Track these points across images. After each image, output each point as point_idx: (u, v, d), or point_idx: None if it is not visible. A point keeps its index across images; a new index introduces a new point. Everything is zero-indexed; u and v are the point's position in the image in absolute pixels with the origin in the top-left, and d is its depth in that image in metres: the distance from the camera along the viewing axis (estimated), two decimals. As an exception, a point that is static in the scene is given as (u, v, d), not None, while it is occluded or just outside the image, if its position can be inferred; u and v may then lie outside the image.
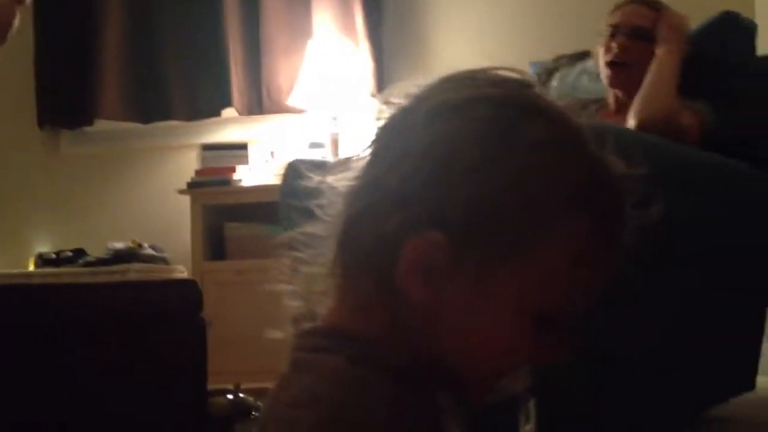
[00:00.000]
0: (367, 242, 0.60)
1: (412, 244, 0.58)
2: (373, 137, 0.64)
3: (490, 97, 0.60)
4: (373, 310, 0.60)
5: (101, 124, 3.48)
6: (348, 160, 0.64)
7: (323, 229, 0.64)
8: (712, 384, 2.20)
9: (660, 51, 2.19)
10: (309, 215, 0.66)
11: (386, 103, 0.64)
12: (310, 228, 0.65)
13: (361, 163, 0.63)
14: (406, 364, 0.59)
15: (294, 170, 2.24)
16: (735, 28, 2.35)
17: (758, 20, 2.35)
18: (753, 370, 2.25)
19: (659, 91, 2.16)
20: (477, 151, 0.58)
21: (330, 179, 0.64)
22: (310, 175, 0.66)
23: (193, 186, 3.15)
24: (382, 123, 0.64)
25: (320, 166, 2.10)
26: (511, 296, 0.58)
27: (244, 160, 3.25)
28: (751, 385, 2.24)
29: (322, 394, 0.57)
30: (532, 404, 0.67)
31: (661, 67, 2.17)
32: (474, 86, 0.62)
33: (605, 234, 0.59)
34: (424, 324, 0.59)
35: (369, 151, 0.63)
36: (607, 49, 2.28)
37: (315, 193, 0.65)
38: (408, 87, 0.64)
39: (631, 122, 2.17)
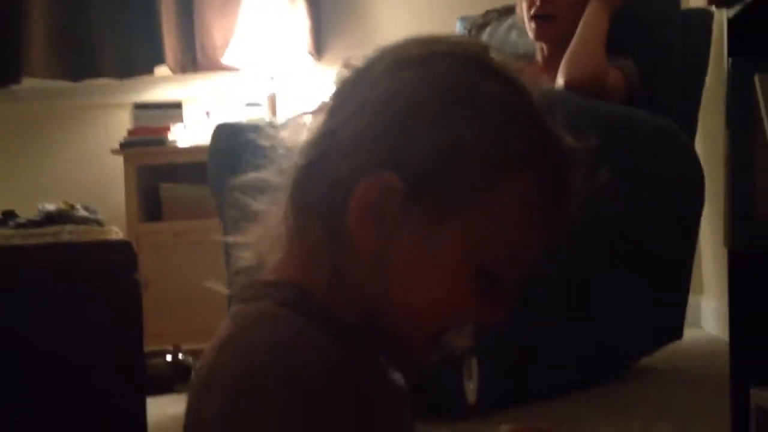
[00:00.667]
0: (320, 187, 0.60)
1: (366, 183, 0.58)
2: (330, 94, 0.64)
3: (450, 54, 0.62)
4: (319, 258, 0.61)
5: (29, 82, 3.37)
6: (302, 115, 0.65)
7: (276, 180, 0.64)
8: (643, 333, 2.27)
9: (589, 9, 2.19)
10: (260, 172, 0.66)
11: (346, 65, 0.65)
12: (265, 174, 0.65)
13: (318, 118, 0.64)
14: (346, 315, 0.60)
15: (225, 130, 2.22)
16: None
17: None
18: (681, 320, 2.33)
19: (587, 51, 2.15)
20: (437, 103, 0.59)
21: (284, 134, 0.65)
22: (265, 128, 0.66)
23: (126, 146, 3.09)
24: (339, 81, 0.64)
25: (250, 129, 2.09)
26: (457, 248, 0.59)
27: (178, 119, 3.19)
28: (679, 334, 2.32)
29: (259, 339, 0.57)
30: (474, 362, 0.68)
31: (589, 26, 2.17)
32: (433, 44, 0.63)
33: (551, 197, 0.61)
34: (368, 272, 0.60)
35: (326, 106, 0.64)
36: (531, 3, 2.28)
37: (267, 150, 0.65)
38: (354, 52, 0.65)
39: (559, 81, 2.18)
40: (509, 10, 2.59)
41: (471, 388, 0.70)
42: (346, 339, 0.59)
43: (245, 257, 0.65)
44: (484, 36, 2.61)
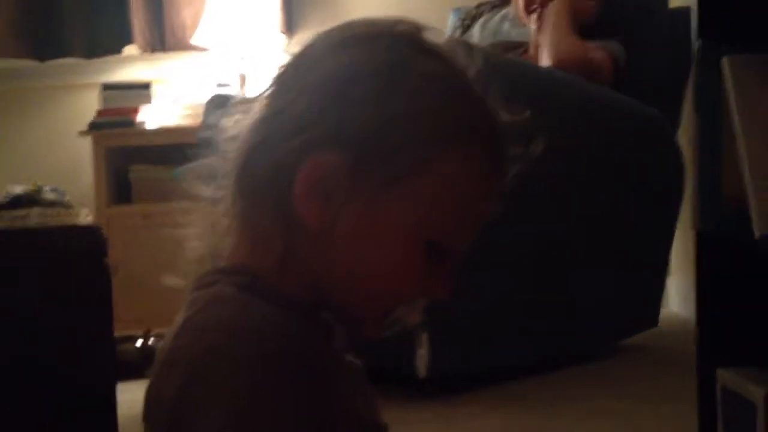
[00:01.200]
0: (265, 170, 0.62)
1: (309, 165, 0.60)
2: (273, 78, 0.66)
3: (385, 33, 0.64)
4: (269, 240, 0.62)
5: (-5, 62, 3.32)
6: (249, 98, 0.66)
7: (223, 165, 0.65)
8: (620, 320, 2.30)
9: (552, 4, 2.30)
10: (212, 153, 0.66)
11: (286, 52, 0.66)
12: (212, 161, 0.66)
13: (261, 103, 0.65)
14: (298, 295, 0.61)
15: (218, 101, 2.20)
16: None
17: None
18: (657, 308, 2.36)
19: (560, 34, 2.25)
20: (373, 80, 0.61)
21: (232, 117, 0.66)
22: (209, 119, 0.67)
23: (94, 127, 3.05)
24: (280, 67, 0.66)
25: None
26: (401, 220, 0.61)
27: (147, 99, 3.15)
28: (654, 321, 2.36)
29: (211, 320, 0.58)
30: (425, 337, 0.69)
31: (555, 14, 2.27)
32: (368, 25, 0.66)
33: (488, 168, 0.63)
34: (317, 250, 0.61)
35: (268, 91, 0.65)
36: (530, 1, 2.36)
37: (217, 131, 0.66)
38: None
39: (544, 63, 2.23)
40: (501, 3, 2.65)
41: (422, 361, 0.71)
42: (298, 317, 0.60)
43: (198, 246, 0.66)
44: (477, 26, 2.65)
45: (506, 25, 2.61)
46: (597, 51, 2.26)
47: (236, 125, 0.65)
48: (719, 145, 1.25)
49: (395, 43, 0.63)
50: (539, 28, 2.34)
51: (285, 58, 0.67)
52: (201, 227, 0.66)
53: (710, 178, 1.25)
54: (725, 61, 1.21)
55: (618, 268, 2.23)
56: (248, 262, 0.63)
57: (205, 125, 2.17)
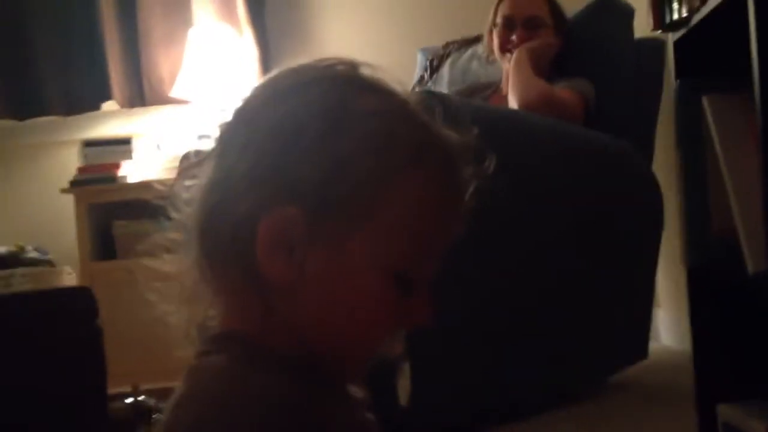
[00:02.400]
0: (225, 232, 0.62)
1: (266, 222, 0.60)
2: (216, 138, 0.66)
3: (320, 78, 0.64)
4: (246, 302, 0.62)
5: (-28, 123, 3.31)
6: (198, 160, 0.66)
7: (184, 234, 0.65)
8: (608, 354, 2.29)
9: (514, 54, 2.34)
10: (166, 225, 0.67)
11: (222, 110, 0.67)
12: (171, 234, 0.66)
13: (209, 165, 0.65)
14: (289, 353, 0.61)
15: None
16: (612, 12, 2.45)
17: (635, 4, 2.43)
18: (645, 339, 2.36)
19: (524, 78, 2.27)
20: (316, 126, 0.61)
21: (182, 184, 0.66)
22: (158, 187, 0.67)
23: (76, 184, 3.03)
24: (221, 125, 0.66)
25: None
26: (366, 259, 0.61)
27: (128, 155, 3.15)
28: (644, 353, 2.35)
29: (200, 392, 0.59)
30: (407, 366, 0.70)
31: (516, 63, 2.31)
32: (303, 72, 0.65)
33: (441, 191, 0.64)
34: (291, 303, 0.61)
35: (216, 148, 0.65)
36: (505, 41, 2.38)
37: (171, 199, 0.66)
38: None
39: (513, 107, 2.25)
40: (468, 42, 2.68)
41: (404, 390, 0.72)
42: (296, 377, 0.60)
43: (181, 320, 0.66)
44: (446, 65, 2.67)
45: (474, 64, 2.63)
46: (564, 92, 2.29)
47: (189, 190, 0.65)
48: (705, 181, 1.26)
49: (332, 86, 0.63)
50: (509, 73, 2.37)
51: (227, 115, 0.66)
52: (178, 300, 0.66)
53: (698, 214, 1.26)
54: (705, 101, 1.24)
55: (602, 303, 2.22)
56: (237, 324, 0.63)
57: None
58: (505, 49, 2.39)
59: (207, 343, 0.63)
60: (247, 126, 0.63)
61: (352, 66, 0.66)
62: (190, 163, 0.66)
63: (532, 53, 2.33)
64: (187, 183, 0.65)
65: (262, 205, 0.60)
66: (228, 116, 0.66)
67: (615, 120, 2.34)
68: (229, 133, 0.65)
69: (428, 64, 2.73)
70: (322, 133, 0.61)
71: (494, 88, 2.47)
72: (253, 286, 0.61)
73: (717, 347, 1.21)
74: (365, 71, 0.66)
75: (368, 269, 0.61)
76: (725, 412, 1.13)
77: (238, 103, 0.66)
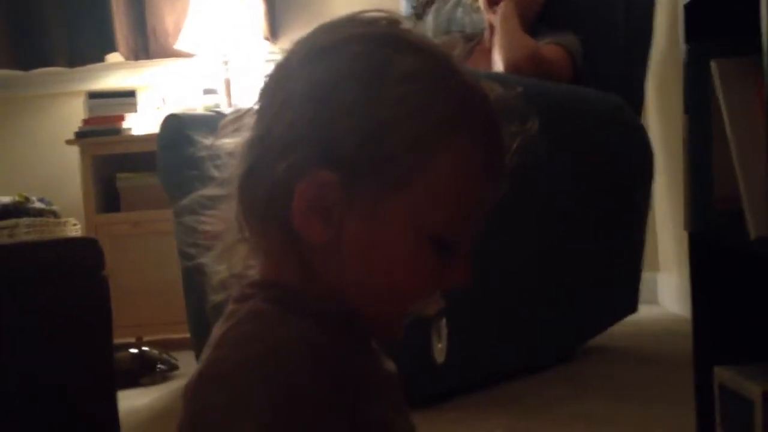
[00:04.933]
0: (263, 193, 0.62)
1: (302, 186, 0.60)
2: (258, 92, 0.65)
3: (361, 36, 0.62)
4: (284, 258, 0.63)
5: (-23, 73, 3.30)
6: (237, 118, 0.65)
7: (223, 190, 0.65)
8: (598, 310, 2.30)
9: (501, 7, 2.30)
10: (207, 180, 0.67)
11: (269, 61, 0.66)
12: (210, 191, 0.66)
13: (250, 120, 0.64)
14: (325, 306, 0.62)
15: (173, 123, 2.19)
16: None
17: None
18: (635, 294, 2.37)
19: (511, 37, 2.25)
20: (355, 88, 0.59)
21: (222, 141, 0.66)
22: (201, 140, 0.67)
23: (81, 136, 3.03)
24: (264, 79, 0.65)
25: (200, 121, 2.06)
26: (404, 222, 0.61)
27: (132, 107, 3.14)
28: (634, 308, 2.36)
29: (244, 333, 0.59)
30: (443, 324, 0.70)
31: (502, 18, 2.28)
32: (344, 28, 0.63)
33: (484, 153, 0.63)
34: (328, 262, 0.62)
35: (255, 107, 0.65)
36: None
37: (210, 156, 0.66)
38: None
39: (499, 67, 2.23)
40: None
41: (440, 348, 0.72)
42: (331, 327, 0.60)
43: (220, 270, 0.66)
44: (431, 13, 2.63)
45: (459, 12, 2.60)
46: (551, 48, 2.26)
47: (230, 145, 0.65)
48: (710, 146, 1.26)
49: (374, 45, 0.61)
50: (496, 28, 2.34)
51: (268, 68, 0.66)
52: (219, 250, 0.66)
53: (702, 180, 1.26)
54: (714, 65, 1.23)
55: (593, 257, 2.23)
56: (277, 276, 0.64)
57: (161, 145, 2.16)
58: (492, 1, 2.35)
59: (247, 287, 0.64)
60: (285, 84, 0.62)
61: (392, 21, 0.64)
62: (230, 117, 0.66)
63: (518, 7, 2.30)
64: (228, 140, 0.65)
65: (298, 168, 0.59)
66: (270, 70, 0.65)
67: (604, 74, 2.33)
68: (269, 89, 0.64)
69: (412, 11, 2.70)
70: (359, 95, 0.59)
71: (477, 40, 2.44)
72: (291, 245, 0.62)
73: (716, 311, 1.22)
74: (407, 28, 0.64)
75: (405, 232, 0.61)
76: (721, 374, 1.14)
77: (281, 58, 0.65)
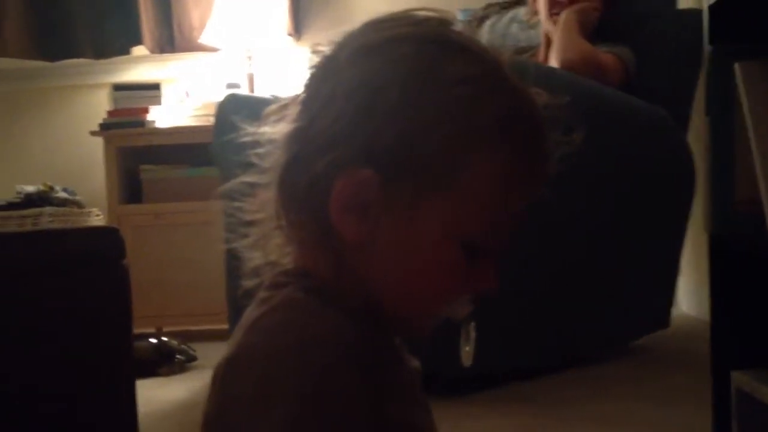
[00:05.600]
0: (302, 186, 0.62)
1: (341, 183, 0.60)
2: (303, 84, 0.65)
3: (410, 36, 0.62)
4: (319, 250, 0.63)
5: (5, 63, 3.33)
6: (281, 107, 0.66)
7: (264, 177, 0.65)
8: (631, 321, 2.30)
9: (562, 16, 2.35)
10: (247, 166, 0.67)
11: (314, 51, 0.65)
12: (250, 178, 0.66)
13: (294, 110, 0.64)
14: (354, 300, 0.62)
15: (230, 105, 2.20)
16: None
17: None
18: (668, 309, 2.36)
19: (570, 39, 2.29)
20: (400, 89, 0.59)
21: (265, 129, 0.66)
22: (245, 126, 0.67)
23: (105, 127, 3.06)
24: (311, 70, 0.65)
25: (254, 103, 2.05)
26: (439, 226, 0.61)
27: (156, 100, 3.17)
28: (666, 322, 2.36)
29: (277, 321, 0.59)
30: (472, 327, 0.70)
31: (564, 23, 2.33)
32: (394, 27, 0.63)
33: (527, 163, 0.62)
34: (360, 260, 0.62)
35: (300, 97, 0.65)
36: (553, 4, 2.40)
37: (252, 144, 0.66)
38: (332, 33, 0.65)
39: (553, 65, 2.26)
40: (509, 4, 2.67)
41: (467, 352, 0.72)
42: (362, 322, 0.61)
43: (256, 257, 0.67)
44: (485, 28, 2.66)
45: (514, 28, 2.62)
46: (606, 56, 2.30)
47: (272, 133, 0.65)
48: (732, 148, 1.26)
49: (423, 47, 0.61)
50: (553, 36, 2.37)
51: (313, 61, 0.65)
52: (255, 237, 0.67)
53: (723, 182, 1.26)
54: (737, 67, 1.23)
55: (629, 269, 2.23)
56: (311, 266, 0.64)
57: (222, 126, 2.17)
58: (552, 12, 2.39)
59: (281, 275, 0.64)
60: (331, 78, 0.62)
61: (443, 22, 0.63)
62: (274, 106, 0.66)
63: (580, 16, 2.34)
64: (270, 128, 0.65)
65: (338, 164, 0.60)
66: (316, 62, 0.65)
67: (653, 89, 2.33)
68: (315, 81, 0.64)
69: (467, 25, 2.72)
70: (404, 97, 0.59)
71: (532, 53, 2.47)
72: (325, 239, 0.62)
73: (735, 314, 1.21)
74: (457, 30, 0.63)
75: (439, 236, 0.61)
76: (738, 378, 1.14)
77: (328, 50, 0.64)
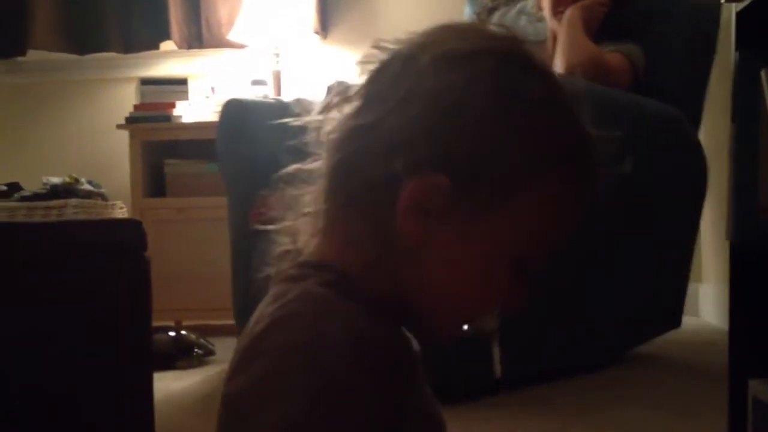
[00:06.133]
0: (365, 181, 0.62)
1: (413, 184, 0.61)
2: (365, 80, 0.65)
3: (494, 51, 0.63)
4: (361, 244, 0.63)
5: (34, 55, 3.37)
6: (342, 101, 0.66)
7: (315, 166, 0.66)
8: (642, 321, 2.28)
9: (565, 14, 2.31)
10: (297, 153, 0.67)
11: (377, 47, 0.66)
12: (303, 165, 0.67)
13: (352, 104, 0.65)
14: (378, 296, 0.62)
15: (232, 109, 2.22)
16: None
17: (700, -30, 2.37)
18: (680, 308, 2.34)
19: (575, 40, 2.26)
20: (485, 103, 0.61)
21: (319, 118, 0.66)
22: (298, 112, 0.68)
23: (132, 121, 3.09)
24: (374, 67, 0.65)
25: (259, 107, 2.07)
26: (493, 243, 0.62)
27: (183, 95, 3.19)
28: (677, 322, 2.34)
29: (294, 313, 0.60)
30: (498, 339, 0.72)
31: (568, 24, 2.29)
32: (476, 39, 0.65)
33: (582, 191, 0.65)
34: (406, 263, 0.62)
35: (359, 93, 0.65)
36: (558, 0, 2.35)
37: (302, 130, 0.67)
38: (395, 36, 0.66)
39: (558, 70, 2.23)
40: None
41: (498, 361, 0.74)
42: (379, 316, 0.61)
43: (284, 242, 0.68)
44: (493, 20, 2.63)
45: (523, 20, 2.60)
46: (613, 56, 2.25)
47: (330, 125, 0.65)
48: (756, 156, 1.25)
49: (503, 64, 0.63)
50: (558, 34, 2.34)
51: (370, 58, 0.65)
52: (289, 224, 0.68)
53: (746, 189, 1.25)
54: (764, 74, 1.22)
55: (639, 267, 2.21)
56: (336, 259, 0.64)
57: (222, 128, 2.19)
58: (557, 10, 2.35)
59: (301, 267, 0.65)
60: (409, 80, 0.63)
61: (516, 41, 0.65)
62: (334, 100, 0.66)
63: (584, 13, 2.30)
64: (328, 116, 0.66)
65: (411, 166, 0.60)
66: (384, 59, 0.65)
67: (664, 87, 2.30)
68: (378, 82, 0.64)
69: (476, 17, 2.70)
70: (486, 112, 0.61)
71: (541, 46, 2.44)
72: (373, 236, 0.62)
73: (754, 322, 1.20)
74: (529, 50, 0.65)
75: (490, 250, 0.62)
76: (755, 387, 1.13)
77: (400, 48, 0.65)
